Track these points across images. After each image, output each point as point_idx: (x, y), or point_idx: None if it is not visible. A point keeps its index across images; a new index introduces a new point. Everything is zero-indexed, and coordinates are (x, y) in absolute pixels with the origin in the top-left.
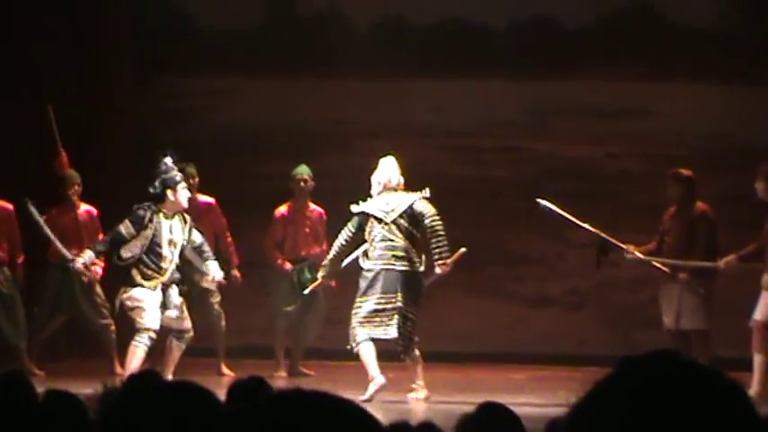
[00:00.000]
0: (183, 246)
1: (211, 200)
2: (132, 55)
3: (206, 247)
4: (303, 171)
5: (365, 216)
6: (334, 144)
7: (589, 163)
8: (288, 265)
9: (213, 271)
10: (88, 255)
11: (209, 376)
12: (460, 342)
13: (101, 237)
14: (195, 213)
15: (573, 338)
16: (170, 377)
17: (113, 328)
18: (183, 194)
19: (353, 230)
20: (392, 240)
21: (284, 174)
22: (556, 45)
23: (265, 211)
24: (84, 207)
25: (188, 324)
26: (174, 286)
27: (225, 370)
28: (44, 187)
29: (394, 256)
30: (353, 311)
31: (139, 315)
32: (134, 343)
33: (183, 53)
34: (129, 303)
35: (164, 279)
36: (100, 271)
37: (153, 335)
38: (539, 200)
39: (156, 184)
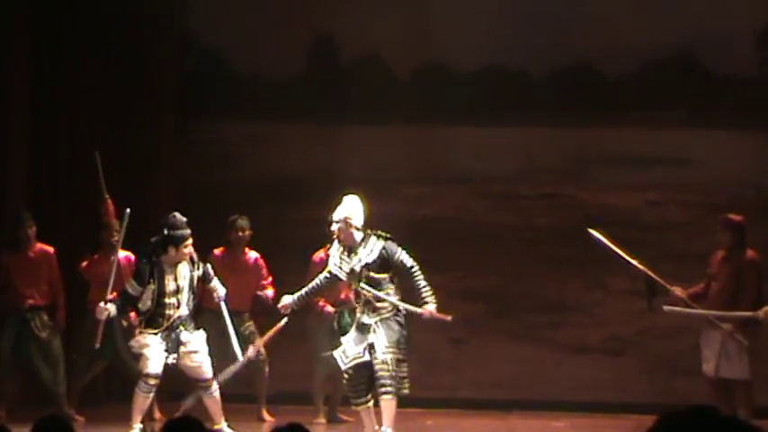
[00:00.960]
0: (192, 286)
1: (257, 255)
2: (173, 101)
3: (209, 273)
4: None
5: None
6: (374, 190)
7: (630, 211)
8: (329, 308)
9: (218, 288)
10: (113, 308)
11: (249, 422)
12: (500, 389)
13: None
14: (243, 268)
15: (613, 386)
16: (222, 425)
17: None
18: (184, 251)
19: None
20: None
21: (325, 219)
22: (597, 92)
23: (305, 257)
24: (122, 253)
25: (206, 373)
26: (185, 329)
27: (266, 416)
28: (85, 233)
29: None
30: (404, 355)
31: (142, 360)
32: (135, 389)
33: (224, 99)
34: (135, 348)
35: (167, 324)
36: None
37: (152, 381)
38: (590, 230)
39: (159, 238)
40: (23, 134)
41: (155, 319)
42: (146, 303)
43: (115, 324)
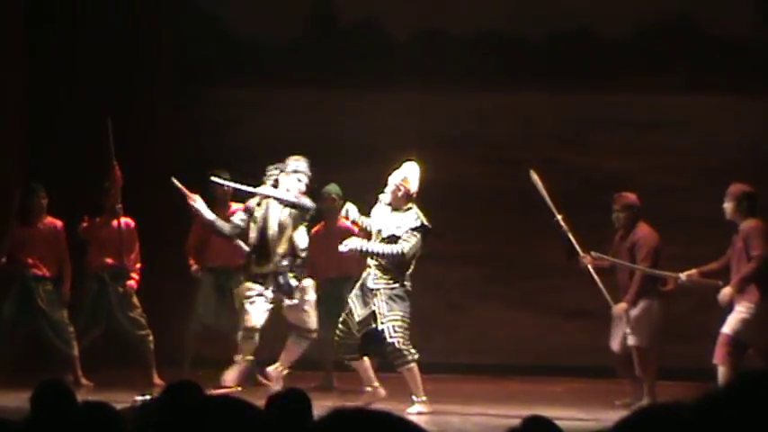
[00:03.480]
0: (291, 235)
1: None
2: (172, 68)
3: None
4: (333, 190)
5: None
6: (373, 155)
7: (627, 175)
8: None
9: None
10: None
11: (245, 386)
12: (498, 354)
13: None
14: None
15: (610, 351)
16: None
17: (151, 338)
18: (285, 184)
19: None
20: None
21: (323, 184)
22: (595, 57)
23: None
24: (123, 219)
25: (310, 323)
26: (293, 276)
27: (261, 380)
28: (86, 197)
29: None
30: (406, 325)
31: (245, 312)
32: (240, 342)
33: (222, 65)
34: (243, 298)
35: (271, 266)
36: (135, 285)
37: (255, 334)
38: (532, 171)
39: (270, 172)
40: (21, 98)
41: (260, 260)
42: (251, 237)
43: (110, 290)
